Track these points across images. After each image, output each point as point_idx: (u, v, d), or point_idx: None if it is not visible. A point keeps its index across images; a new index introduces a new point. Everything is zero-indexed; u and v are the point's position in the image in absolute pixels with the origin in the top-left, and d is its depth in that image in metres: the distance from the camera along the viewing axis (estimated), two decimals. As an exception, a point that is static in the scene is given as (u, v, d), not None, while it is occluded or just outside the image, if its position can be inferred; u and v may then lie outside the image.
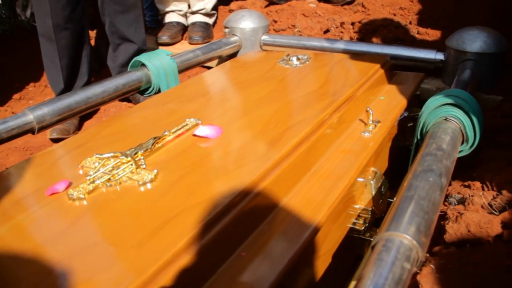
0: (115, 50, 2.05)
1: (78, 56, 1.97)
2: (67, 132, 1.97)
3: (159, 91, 1.57)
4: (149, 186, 0.81)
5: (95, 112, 2.17)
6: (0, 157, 1.88)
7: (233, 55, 2.10)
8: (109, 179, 0.84)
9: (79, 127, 2.07)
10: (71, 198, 0.80)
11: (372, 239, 0.99)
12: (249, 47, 2.07)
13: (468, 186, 1.12)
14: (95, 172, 0.86)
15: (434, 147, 0.94)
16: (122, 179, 0.83)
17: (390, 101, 1.24)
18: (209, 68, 2.45)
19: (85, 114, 1.58)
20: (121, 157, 0.88)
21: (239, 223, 0.75)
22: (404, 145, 1.39)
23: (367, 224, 1.03)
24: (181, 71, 1.64)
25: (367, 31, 2.22)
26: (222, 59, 2.16)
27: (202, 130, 0.96)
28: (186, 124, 1.01)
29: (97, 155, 0.91)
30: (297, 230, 0.80)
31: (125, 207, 0.76)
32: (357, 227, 1.02)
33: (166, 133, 0.97)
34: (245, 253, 0.75)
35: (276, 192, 0.85)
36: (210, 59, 1.91)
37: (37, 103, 2.32)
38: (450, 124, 1.03)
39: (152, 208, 0.74)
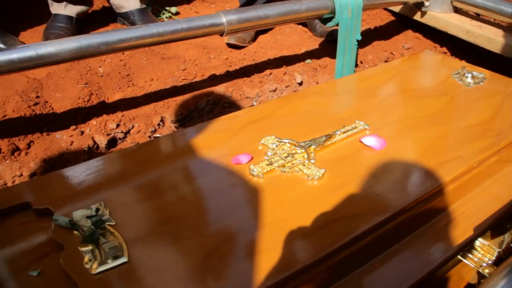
0: None
1: None
2: (243, 41, 2.20)
3: (337, 24, 1.69)
4: (315, 183, 0.96)
5: (271, 28, 2.39)
6: (181, 49, 2.16)
7: (419, 4, 2.09)
8: (284, 164, 1.01)
9: (254, 39, 2.30)
10: (251, 173, 0.98)
11: (487, 276, 1.09)
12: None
13: None
14: (273, 154, 1.03)
15: None
16: (294, 169, 1.00)
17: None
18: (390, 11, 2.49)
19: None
20: (296, 148, 1.05)
21: (380, 240, 0.89)
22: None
23: (489, 262, 1.11)
24: (364, 9, 1.75)
25: None
26: (406, 6, 2.16)
27: (369, 140, 1.08)
28: (355, 127, 1.14)
29: (277, 138, 1.08)
30: (431, 255, 0.92)
31: (294, 197, 0.92)
32: (479, 261, 1.10)
33: (338, 132, 1.10)
34: (377, 264, 0.89)
35: (417, 219, 0.96)
36: (394, 3, 1.93)
37: (218, 7, 2.61)
38: None
39: (317, 206, 0.89)
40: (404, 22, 2.58)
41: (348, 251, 0.83)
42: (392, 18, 2.65)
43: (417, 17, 2.23)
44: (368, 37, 2.45)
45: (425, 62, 1.60)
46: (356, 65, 2.12)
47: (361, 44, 2.07)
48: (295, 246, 0.81)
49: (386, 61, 2.36)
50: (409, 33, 2.56)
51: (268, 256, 0.78)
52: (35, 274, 0.78)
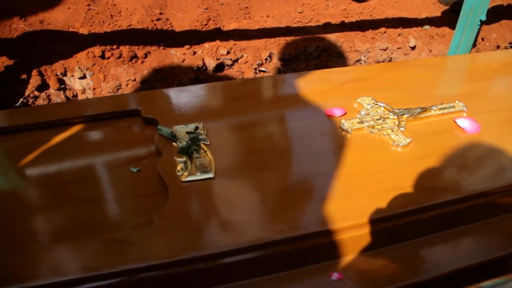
0: None
1: None
2: None
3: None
4: (399, 149, 1.00)
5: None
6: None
7: None
8: (374, 126, 1.05)
9: None
10: (341, 127, 1.04)
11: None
12: None
13: None
14: (366, 114, 1.07)
15: None
16: (383, 132, 1.04)
17: None
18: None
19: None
20: (390, 113, 1.08)
21: (447, 217, 0.92)
22: None
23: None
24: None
25: None
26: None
27: (463, 122, 1.09)
28: (453, 107, 1.14)
29: (373, 100, 1.12)
30: (492, 247, 0.93)
31: (375, 158, 0.97)
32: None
33: (434, 108, 1.12)
34: (438, 239, 0.93)
35: (490, 208, 0.97)
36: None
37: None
38: None
39: (394, 171, 0.94)
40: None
41: (412, 219, 0.87)
42: (532, -3, 2.48)
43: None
44: (496, 14, 2.33)
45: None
46: (475, 45, 2.04)
47: (487, 20, 1.98)
48: (363, 201, 0.86)
49: (510, 43, 2.24)
50: (547, 17, 2.40)
51: (337, 203, 0.85)
52: (134, 171, 0.91)
